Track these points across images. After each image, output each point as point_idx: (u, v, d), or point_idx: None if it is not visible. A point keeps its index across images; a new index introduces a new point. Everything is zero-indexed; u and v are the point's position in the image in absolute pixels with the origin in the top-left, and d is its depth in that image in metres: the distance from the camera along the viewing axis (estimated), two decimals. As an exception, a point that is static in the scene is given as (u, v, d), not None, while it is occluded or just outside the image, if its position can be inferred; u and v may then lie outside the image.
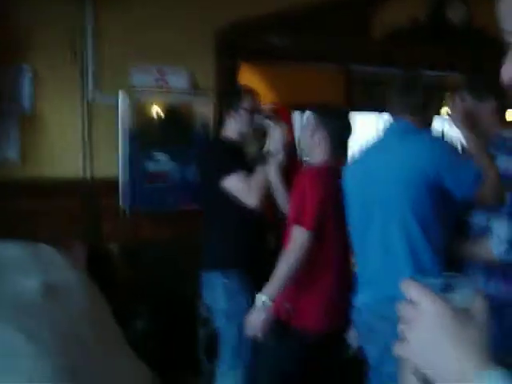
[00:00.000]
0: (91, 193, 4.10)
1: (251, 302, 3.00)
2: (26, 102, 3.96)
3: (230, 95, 3.72)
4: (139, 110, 4.15)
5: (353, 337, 3.01)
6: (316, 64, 5.22)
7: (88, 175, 4.12)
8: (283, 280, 2.89)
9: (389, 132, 2.86)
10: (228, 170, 3.34)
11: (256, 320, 2.90)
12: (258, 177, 3.33)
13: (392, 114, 2.87)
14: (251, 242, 3.47)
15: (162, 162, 4.18)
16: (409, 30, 4.98)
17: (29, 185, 3.93)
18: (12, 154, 3.92)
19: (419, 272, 2.61)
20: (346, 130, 3.20)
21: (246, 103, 3.58)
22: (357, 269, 2.93)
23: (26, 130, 3.98)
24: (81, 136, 4.10)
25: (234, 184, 3.34)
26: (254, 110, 3.60)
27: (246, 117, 3.56)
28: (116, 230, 4.14)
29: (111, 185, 4.14)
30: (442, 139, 2.75)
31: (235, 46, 4.39)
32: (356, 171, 2.87)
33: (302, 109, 7.42)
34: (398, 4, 4.92)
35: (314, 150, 3.18)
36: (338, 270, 3.06)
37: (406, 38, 4.96)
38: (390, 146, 2.74)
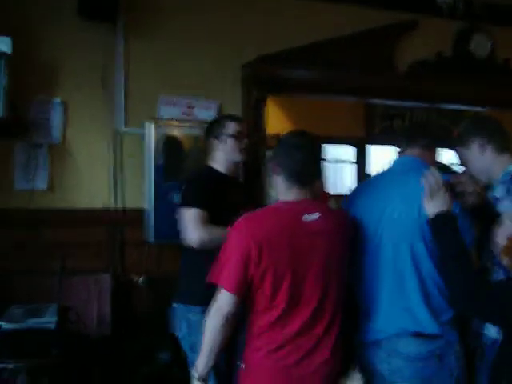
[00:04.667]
0: (117, 223, 4.12)
1: None
2: (56, 133, 4.00)
3: (212, 124, 3.60)
4: (167, 142, 4.18)
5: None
6: (339, 97, 5.24)
7: (115, 205, 4.14)
8: (209, 352, 2.47)
9: (400, 166, 2.87)
10: (188, 202, 3.28)
11: None
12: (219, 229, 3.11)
13: (402, 148, 2.89)
14: None
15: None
16: (433, 63, 4.99)
17: (57, 214, 3.96)
18: (41, 183, 3.96)
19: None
20: (296, 163, 2.56)
21: (229, 130, 3.48)
22: (364, 300, 2.77)
23: (55, 160, 4.02)
24: (108, 166, 4.13)
25: (184, 216, 3.28)
26: (241, 136, 3.49)
27: (232, 144, 3.47)
28: (141, 261, 4.14)
29: (137, 215, 4.15)
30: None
31: (262, 79, 4.42)
32: (365, 204, 2.79)
33: (325, 141, 7.52)
34: (421, 38, 4.94)
35: (274, 186, 2.71)
36: (296, 329, 2.49)
37: (430, 72, 4.98)
38: (405, 180, 2.72)
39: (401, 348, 2.60)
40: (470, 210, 2.59)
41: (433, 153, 2.88)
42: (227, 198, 3.32)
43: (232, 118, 3.59)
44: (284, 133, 2.72)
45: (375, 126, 7.85)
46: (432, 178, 2.43)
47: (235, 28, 4.38)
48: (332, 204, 3.51)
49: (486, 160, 2.81)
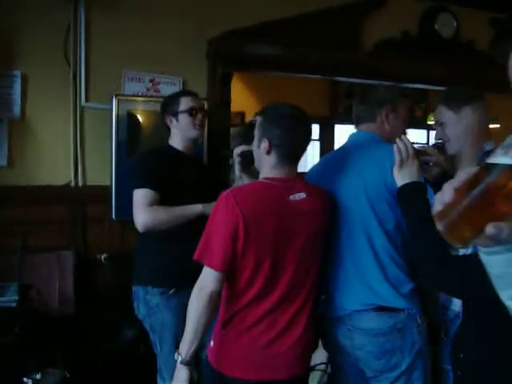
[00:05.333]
0: (79, 200, 4.07)
1: (178, 319, 2.72)
2: (16, 107, 3.91)
3: (166, 101, 3.46)
4: (130, 118, 4.11)
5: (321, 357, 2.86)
6: (306, 75, 5.22)
7: (77, 182, 4.09)
8: (194, 333, 2.37)
9: (351, 142, 2.85)
10: (137, 183, 3.17)
11: (177, 380, 2.41)
12: (175, 209, 3.13)
13: (357, 123, 2.86)
14: (178, 261, 3.09)
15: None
16: (399, 42, 5.01)
17: (17, 191, 3.89)
18: (0, 159, 3.87)
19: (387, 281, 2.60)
20: (294, 138, 2.48)
21: (183, 105, 3.35)
22: (330, 276, 2.74)
23: (15, 136, 3.93)
24: (70, 142, 4.06)
25: (135, 197, 3.17)
26: (195, 111, 3.36)
27: (187, 120, 3.35)
28: (104, 238, 4.10)
29: (100, 192, 4.10)
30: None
31: (228, 55, 4.37)
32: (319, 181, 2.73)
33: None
34: (388, 16, 4.94)
35: (260, 162, 2.56)
36: (271, 306, 2.44)
37: (396, 51, 4.99)
38: (353, 155, 2.71)
39: (363, 324, 2.61)
40: (431, 181, 2.58)
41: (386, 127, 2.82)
42: (180, 176, 3.24)
43: (186, 93, 3.50)
44: (264, 107, 2.58)
45: (340, 105, 7.87)
46: (403, 146, 2.41)
47: (201, 2, 4.31)
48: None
49: (468, 130, 2.75)
